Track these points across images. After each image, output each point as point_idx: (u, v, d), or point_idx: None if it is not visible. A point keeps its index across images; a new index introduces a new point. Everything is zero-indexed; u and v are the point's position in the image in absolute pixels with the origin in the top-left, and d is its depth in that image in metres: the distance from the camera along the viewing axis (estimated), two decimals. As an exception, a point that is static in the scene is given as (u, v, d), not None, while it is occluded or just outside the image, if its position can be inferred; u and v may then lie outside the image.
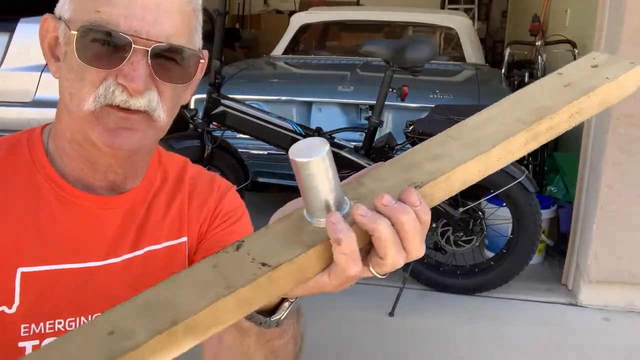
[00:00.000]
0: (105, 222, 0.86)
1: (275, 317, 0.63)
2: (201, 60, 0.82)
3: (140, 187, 0.90)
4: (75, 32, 0.74)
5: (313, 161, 0.48)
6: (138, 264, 0.88)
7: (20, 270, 0.80)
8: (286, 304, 0.63)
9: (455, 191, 0.53)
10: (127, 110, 0.76)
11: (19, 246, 0.80)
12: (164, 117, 0.79)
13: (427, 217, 0.53)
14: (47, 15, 0.82)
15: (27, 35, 3.24)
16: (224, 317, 0.48)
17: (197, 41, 0.83)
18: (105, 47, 0.74)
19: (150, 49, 0.74)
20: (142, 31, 0.74)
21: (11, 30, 3.25)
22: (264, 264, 0.49)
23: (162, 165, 0.95)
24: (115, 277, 0.86)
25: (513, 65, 5.01)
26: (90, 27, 0.74)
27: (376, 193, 0.51)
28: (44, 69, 3.22)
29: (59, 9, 0.80)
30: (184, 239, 0.93)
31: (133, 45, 0.73)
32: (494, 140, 0.53)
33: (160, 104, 0.78)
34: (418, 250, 0.53)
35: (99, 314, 0.84)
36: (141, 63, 0.74)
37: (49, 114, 3.26)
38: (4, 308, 0.79)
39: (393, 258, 0.52)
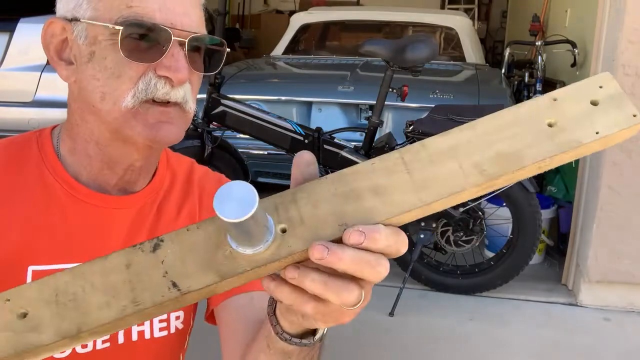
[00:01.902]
0: (116, 222, 0.87)
1: (318, 336, 0.64)
2: (227, 50, 0.83)
3: (150, 187, 0.90)
4: (120, 27, 0.73)
5: (244, 220, 0.45)
6: None
7: (31, 268, 0.80)
8: None
9: None
10: (165, 104, 0.77)
11: (30, 244, 0.81)
12: (194, 108, 0.81)
13: (375, 243, 0.48)
14: (52, 19, 0.81)
15: (27, 35, 3.24)
16: (125, 326, 0.50)
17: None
18: (143, 41, 0.74)
19: (187, 40, 0.75)
20: (177, 23, 0.75)
21: (11, 30, 3.25)
22: (174, 285, 0.49)
23: (170, 166, 0.95)
24: None
25: (513, 65, 5.02)
26: (130, 22, 0.73)
27: (305, 223, 0.48)
28: (44, 69, 3.22)
29: (73, 10, 0.78)
30: None
31: (172, 37, 0.74)
32: (441, 191, 0.48)
33: (190, 96, 0.79)
34: (372, 275, 0.49)
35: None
36: (181, 54, 0.75)
37: (49, 114, 3.26)
38: None
39: (336, 297, 0.50)
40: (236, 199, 0.45)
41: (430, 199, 0.48)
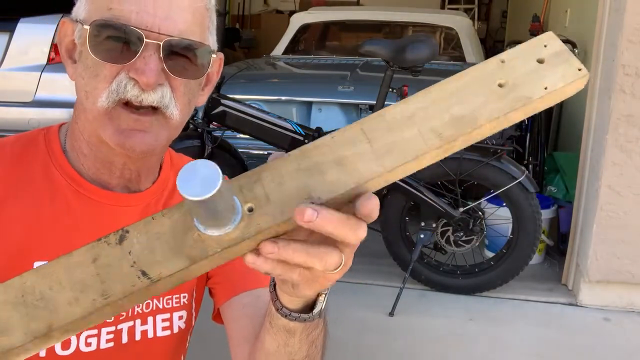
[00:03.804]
0: (121, 219, 0.87)
1: (316, 310, 0.65)
2: (213, 55, 0.82)
3: (155, 186, 0.91)
4: (88, 28, 0.75)
5: (209, 197, 0.45)
6: None
7: (36, 264, 0.81)
8: (322, 297, 0.65)
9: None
10: (139, 109, 0.76)
11: (36, 239, 0.82)
12: (177, 114, 0.79)
13: (328, 227, 0.49)
14: (64, 19, 0.83)
15: (27, 35, 3.24)
16: (98, 320, 0.50)
17: (212, 42, 0.83)
18: (118, 42, 0.74)
19: (162, 43, 0.74)
20: (154, 26, 0.74)
21: (11, 30, 3.25)
22: (144, 273, 0.49)
23: (174, 166, 0.96)
24: None
25: (513, 65, 5.00)
26: (101, 23, 0.74)
27: (271, 201, 0.49)
28: (44, 69, 3.22)
29: (75, 11, 0.81)
30: None
31: (145, 40, 0.73)
32: (403, 155, 0.49)
33: (173, 101, 0.78)
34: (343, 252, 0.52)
35: None
36: (153, 57, 0.74)
37: (49, 114, 3.26)
38: None
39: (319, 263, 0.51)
40: (200, 178, 0.45)
41: (392, 165, 0.49)
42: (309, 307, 0.65)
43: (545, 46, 0.52)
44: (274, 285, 0.64)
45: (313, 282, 0.55)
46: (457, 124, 0.50)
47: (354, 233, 0.51)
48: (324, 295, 0.65)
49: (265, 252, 0.50)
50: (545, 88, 0.50)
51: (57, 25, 0.85)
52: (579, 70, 0.50)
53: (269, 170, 0.50)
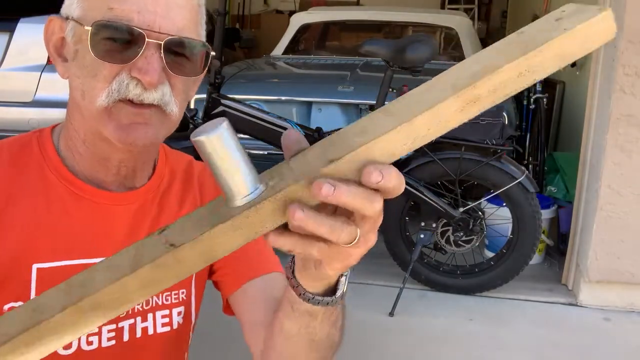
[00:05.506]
0: (117, 218, 0.88)
1: (339, 293, 0.64)
2: (213, 53, 0.83)
3: (150, 183, 0.91)
4: (89, 28, 0.75)
5: (205, 140, 0.46)
6: None
7: (35, 266, 0.82)
8: (343, 279, 0.64)
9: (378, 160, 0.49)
10: (140, 105, 0.77)
11: (34, 242, 0.82)
12: (177, 111, 0.80)
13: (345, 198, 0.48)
14: (52, 17, 0.83)
15: (27, 35, 3.25)
16: (130, 295, 0.50)
17: (203, 35, 0.84)
18: (119, 42, 0.75)
19: (163, 42, 0.75)
20: (155, 25, 0.75)
21: (11, 30, 3.25)
22: (171, 245, 0.49)
23: (169, 162, 0.96)
24: None
25: (513, 65, 5.00)
26: (104, 23, 0.75)
27: (295, 170, 0.49)
28: (44, 69, 3.22)
29: (66, 8, 0.81)
30: None
31: (146, 39, 0.74)
32: (420, 107, 0.47)
33: (172, 98, 0.79)
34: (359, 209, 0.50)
35: None
36: (155, 56, 0.75)
37: (49, 114, 3.26)
38: (20, 304, 0.80)
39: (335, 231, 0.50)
40: (209, 126, 0.47)
41: (410, 117, 0.47)
42: (331, 290, 0.65)
43: (563, 11, 0.49)
44: (293, 272, 0.63)
45: (333, 258, 0.54)
46: (478, 74, 0.47)
47: (371, 205, 0.49)
48: (344, 277, 0.64)
49: (294, 216, 0.48)
50: (565, 29, 0.47)
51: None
52: (599, 9, 0.47)
53: (300, 154, 0.50)
